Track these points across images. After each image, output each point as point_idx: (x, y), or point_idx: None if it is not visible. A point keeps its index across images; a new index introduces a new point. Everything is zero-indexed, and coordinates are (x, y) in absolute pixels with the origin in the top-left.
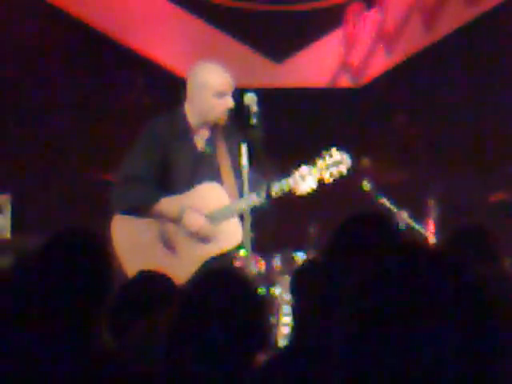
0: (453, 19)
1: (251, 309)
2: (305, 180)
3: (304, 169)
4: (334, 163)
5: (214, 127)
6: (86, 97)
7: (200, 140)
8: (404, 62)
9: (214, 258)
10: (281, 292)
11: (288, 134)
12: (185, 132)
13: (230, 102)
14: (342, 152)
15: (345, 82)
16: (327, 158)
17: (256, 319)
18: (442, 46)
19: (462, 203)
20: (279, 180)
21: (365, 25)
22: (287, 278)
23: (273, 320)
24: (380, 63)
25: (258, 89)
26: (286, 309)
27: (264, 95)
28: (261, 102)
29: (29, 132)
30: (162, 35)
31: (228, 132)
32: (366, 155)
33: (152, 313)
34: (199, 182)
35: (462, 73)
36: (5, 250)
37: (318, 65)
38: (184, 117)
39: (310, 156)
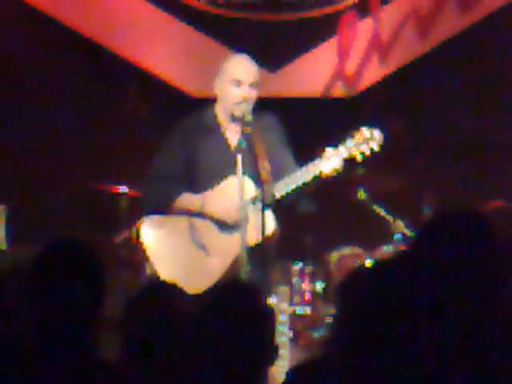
0: (447, 27)
1: (261, 321)
2: (331, 159)
3: (330, 149)
4: (364, 140)
5: (245, 122)
6: (82, 106)
7: (233, 136)
8: (398, 70)
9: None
10: (277, 302)
11: None
12: (213, 128)
13: (245, 92)
14: (372, 129)
15: (339, 91)
16: (356, 136)
17: (266, 332)
18: (436, 54)
19: (455, 211)
20: (306, 165)
21: (359, 34)
22: (284, 289)
23: None
24: (374, 72)
25: None
26: (282, 318)
27: (258, 104)
28: (255, 112)
29: (24, 142)
30: (154, 44)
31: (265, 126)
32: (360, 164)
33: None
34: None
35: (457, 80)
36: (0, 261)
37: (312, 74)
38: (213, 112)
39: (302, 165)
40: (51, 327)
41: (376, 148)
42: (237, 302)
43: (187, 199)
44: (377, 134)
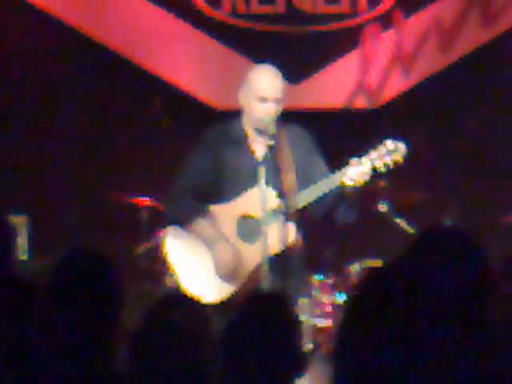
0: (469, 40)
1: (291, 332)
2: (353, 170)
3: (353, 160)
4: (388, 152)
5: (269, 135)
6: (105, 118)
7: (259, 148)
8: (421, 82)
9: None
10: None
11: None
12: (241, 140)
13: (269, 109)
14: (396, 141)
15: (361, 103)
16: (380, 147)
17: (296, 342)
18: (458, 66)
19: (476, 224)
20: (328, 175)
21: (381, 46)
22: (304, 301)
23: None
24: (397, 84)
25: None
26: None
27: (282, 116)
28: (279, 124)
29: (44, 153)
30: (176, 55)
31: (293, 139)
32: (383, 176)
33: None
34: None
35: (479, 94)
36: (21, 271)
37: (335, 86)
38: (240, 124)
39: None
40: (69, 337)
41: (400, 160)
42: (265, 312)
43: (202, 227)
44: (401, 147)
